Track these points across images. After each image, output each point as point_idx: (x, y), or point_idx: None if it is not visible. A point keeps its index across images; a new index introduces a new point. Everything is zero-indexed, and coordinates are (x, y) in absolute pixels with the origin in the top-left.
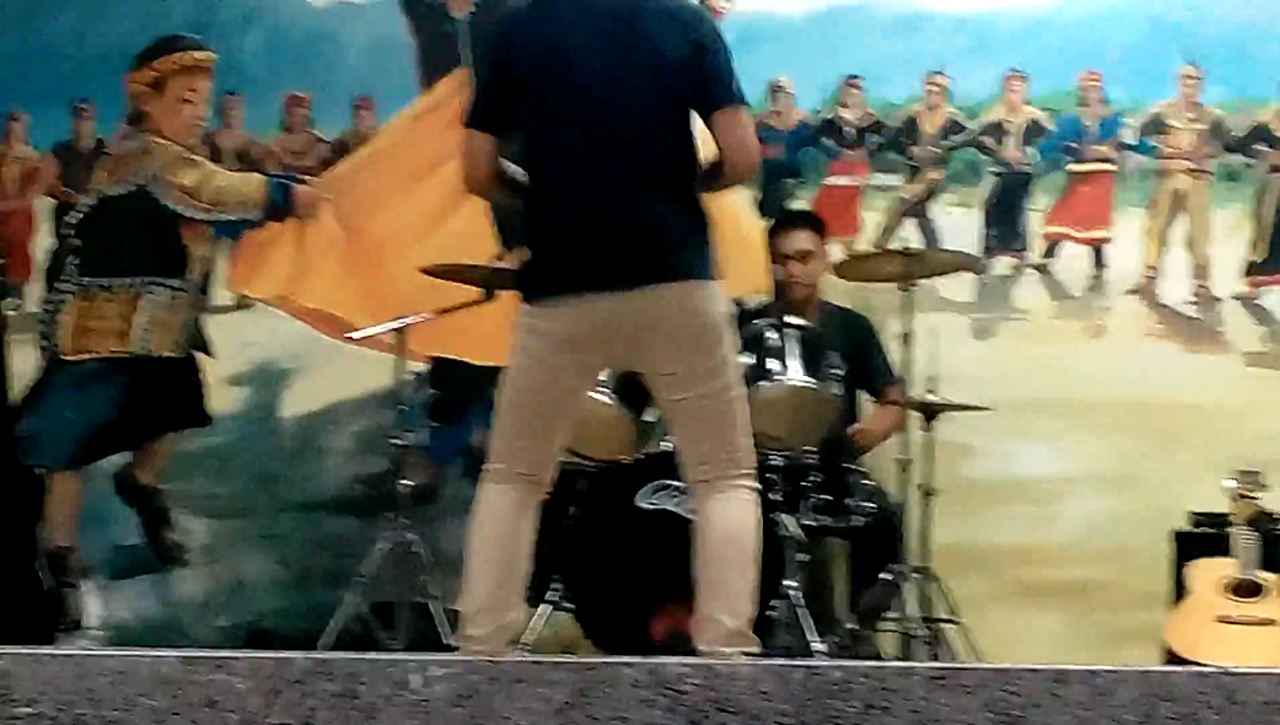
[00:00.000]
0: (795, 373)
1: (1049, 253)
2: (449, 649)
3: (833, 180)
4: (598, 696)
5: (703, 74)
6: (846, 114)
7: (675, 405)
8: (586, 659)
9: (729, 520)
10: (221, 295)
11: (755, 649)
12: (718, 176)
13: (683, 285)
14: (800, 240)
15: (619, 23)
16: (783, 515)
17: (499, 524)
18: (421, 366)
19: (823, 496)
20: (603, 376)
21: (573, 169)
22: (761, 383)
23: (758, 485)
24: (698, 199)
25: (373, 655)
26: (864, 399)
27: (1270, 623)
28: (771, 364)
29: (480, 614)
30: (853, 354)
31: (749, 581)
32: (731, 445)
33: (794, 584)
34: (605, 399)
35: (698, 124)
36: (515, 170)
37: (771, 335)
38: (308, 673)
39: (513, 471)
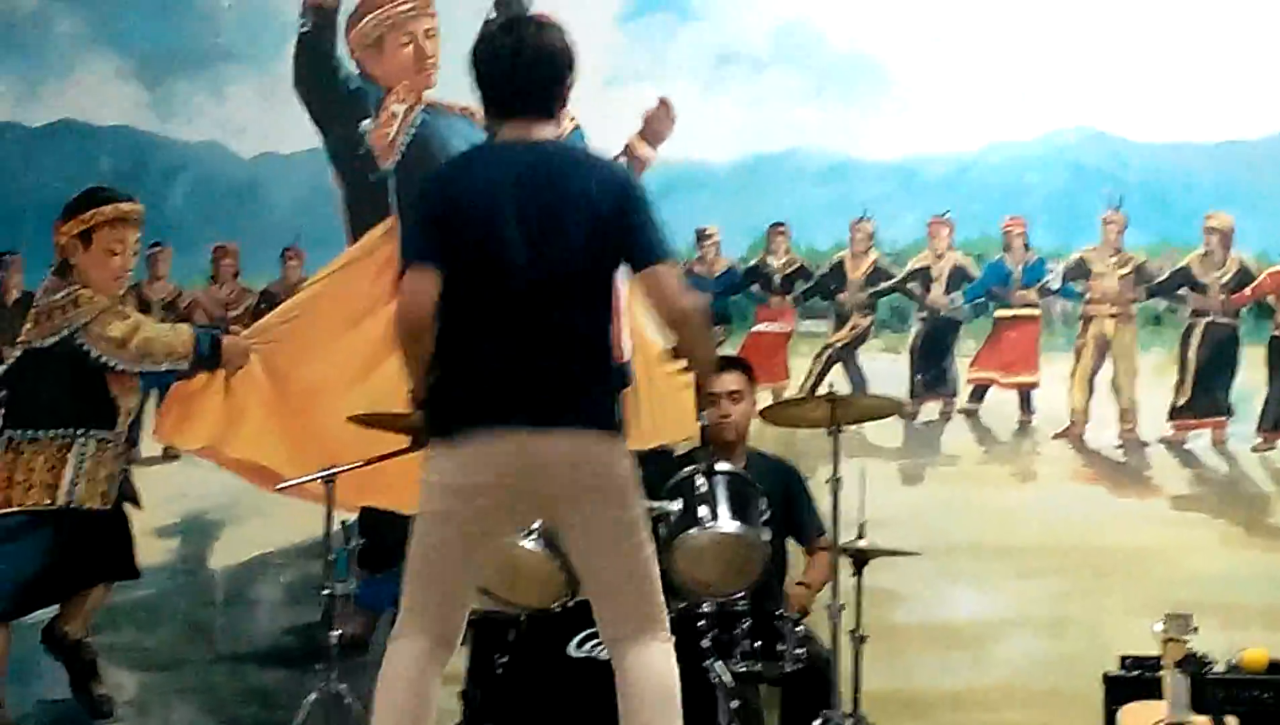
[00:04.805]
0: (724, 519)
1: (976, 397)
2: None
3: (760, 327)
4: None
5: (629, 232)
6: (773, 261)
7: (588, 564)
8: None
9: (650, 671)
10: (150, 446)
11: None
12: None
13: (581, 433)
14: (730, 381)
15: (549, 178)
16: (714, 662)
17: (404, 682)
18: (351, 516)
19: (754, 643)
20: (534, 524)
21: (486, 316)
22: (690, 529)
23: (672, 637)
24: (608, 356)
25: None
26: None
27: None
28: (701, 511)
29: None
30: (781, 503)
31: None
32: (648, 604)
33: None
34: (534, 547)
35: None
36: None
37: (700, 481)
38: None
39: (420, 630)
